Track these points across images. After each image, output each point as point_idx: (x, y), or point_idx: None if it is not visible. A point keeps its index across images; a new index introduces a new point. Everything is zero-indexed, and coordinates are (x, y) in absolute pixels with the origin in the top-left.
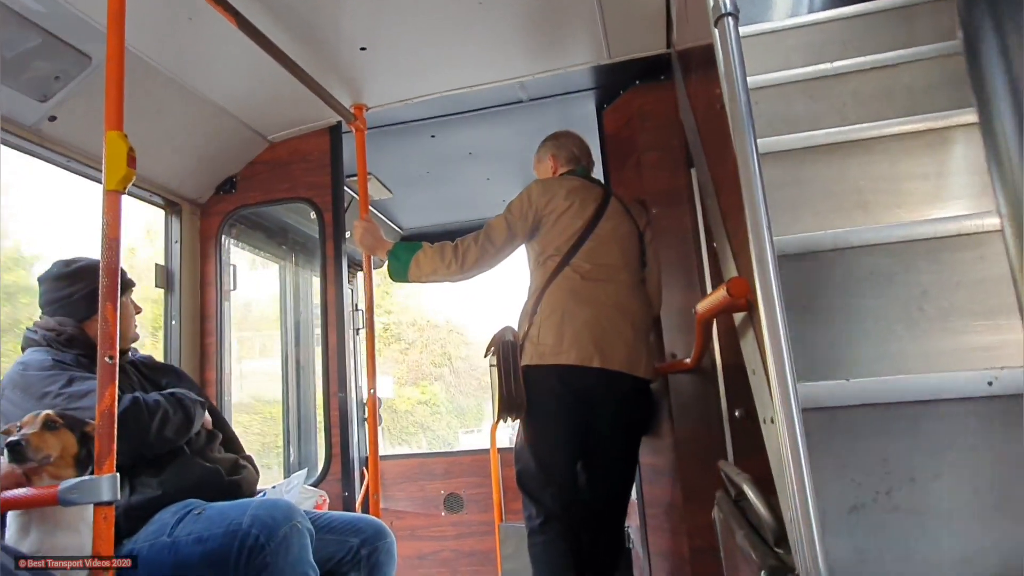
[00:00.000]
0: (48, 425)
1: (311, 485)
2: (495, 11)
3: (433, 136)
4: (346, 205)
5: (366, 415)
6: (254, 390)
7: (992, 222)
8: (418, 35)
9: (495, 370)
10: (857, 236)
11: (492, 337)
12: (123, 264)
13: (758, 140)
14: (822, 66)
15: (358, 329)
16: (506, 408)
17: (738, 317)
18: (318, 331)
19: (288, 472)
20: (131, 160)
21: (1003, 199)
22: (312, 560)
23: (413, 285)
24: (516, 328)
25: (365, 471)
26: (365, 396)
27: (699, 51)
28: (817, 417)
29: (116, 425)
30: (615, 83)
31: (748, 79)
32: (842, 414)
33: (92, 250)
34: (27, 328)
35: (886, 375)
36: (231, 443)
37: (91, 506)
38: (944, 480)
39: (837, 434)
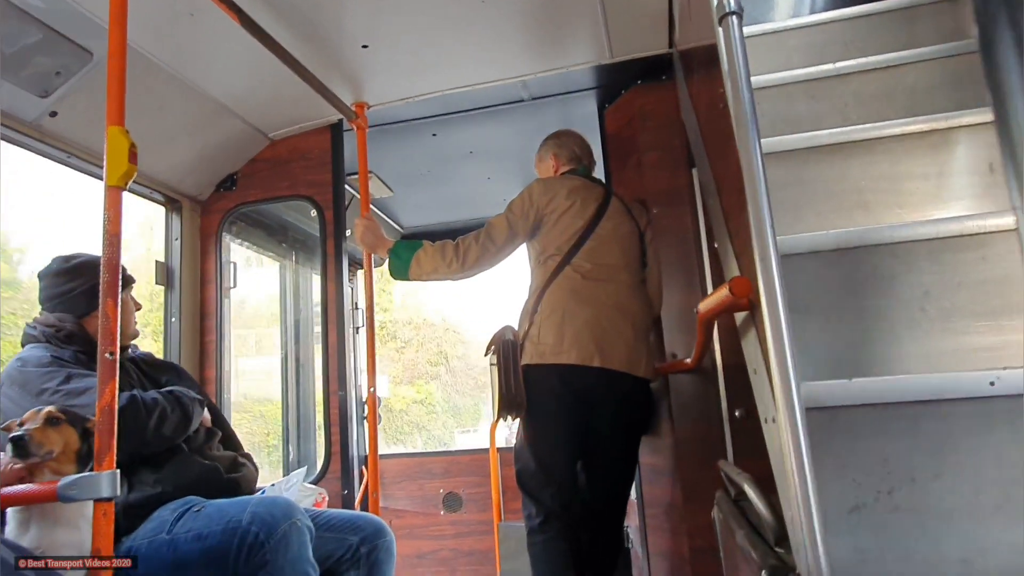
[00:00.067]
0: (51, 421)
1: (310, 483)
2: (497, 10)
3: (434, 135)
4: (347, 203)
5: (365, 413)
6: (244, 388)
7: (994, 223)
8: (420, 33)
9: (495, 369)
10: (859, 236)
11: (492, 336)
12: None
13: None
14: (824, 66)
15: (358, 327)
16: (506, 407)
17: (739, 317)
18: (318, 329)
19: (287, 470)
20: (132, 156)
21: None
22: (311, 558)
23: (411, 283)
24: (516, 327)
25: (364, 469)
26: (365, 394)
27: (702, 50)
28: (818, 417)
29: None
30: (617, 83)
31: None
32: (843, 414)
33: (85, 246)
34: (27, 324)
35: (887, 375)
36: (230, 441)
37: (91, 502)
38: (945, 480)
39: (838, 434)
